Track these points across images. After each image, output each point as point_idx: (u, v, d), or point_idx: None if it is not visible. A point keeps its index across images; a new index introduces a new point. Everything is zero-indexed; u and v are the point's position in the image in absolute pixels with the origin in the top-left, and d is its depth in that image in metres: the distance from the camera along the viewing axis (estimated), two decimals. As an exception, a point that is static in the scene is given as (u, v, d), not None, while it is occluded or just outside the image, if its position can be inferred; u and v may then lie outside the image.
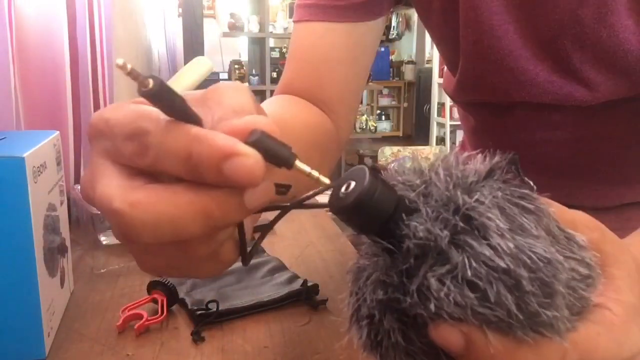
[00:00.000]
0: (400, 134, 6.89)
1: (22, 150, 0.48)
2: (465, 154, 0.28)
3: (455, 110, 5.05)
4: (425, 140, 5.64)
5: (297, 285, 0.64)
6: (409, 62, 6.71)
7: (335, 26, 0.62)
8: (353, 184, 0.25)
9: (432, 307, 0.24)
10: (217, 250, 0.27)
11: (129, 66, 0.21)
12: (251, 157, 0.22)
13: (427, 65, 6.18)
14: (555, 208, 0.28)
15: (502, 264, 0.24)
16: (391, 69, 6.63)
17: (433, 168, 0.27)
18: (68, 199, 0.70)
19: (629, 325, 0.28)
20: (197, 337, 0.55)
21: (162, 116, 0.23)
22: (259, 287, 0.65)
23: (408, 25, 6.83)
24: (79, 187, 0.27)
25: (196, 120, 0.23)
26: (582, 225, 0.29)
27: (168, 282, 0.61)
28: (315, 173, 0.25)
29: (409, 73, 6.67)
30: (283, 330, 0.58)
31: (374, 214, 0.25)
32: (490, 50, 0.55)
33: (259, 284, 0.67)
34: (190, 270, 0.28)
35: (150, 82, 0.22)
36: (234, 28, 4.66)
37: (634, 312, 0.28)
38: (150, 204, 0.23)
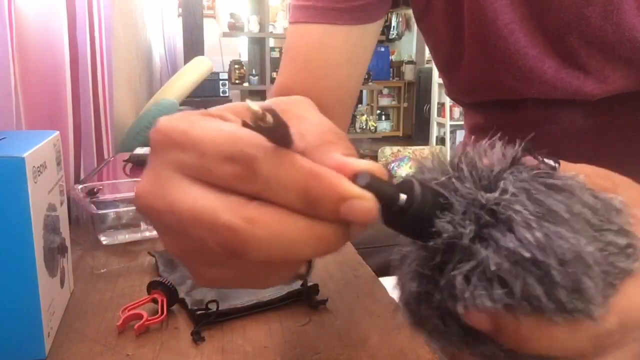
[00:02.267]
0: (400, 134, 6.89)
1: (22, 150, 0.48)
2: (484, 145, 0.28)
3: (455, 110, 5.06)
4: (425, 140, 5.64)
5: (297, 285, 0.64)
6: (409, 62, 6.71)
7: (334, 29, 0.61)
8: (404, 196, 0.25)
9: (459, 305, 0.25)
10: (296, 269, 0.27)
11: (260, 111, 0.22)
12: (369, 200, 0.23)
13: (427, 65, 6.18)
14: (588, 171, 0.27)
15: (528, 255, 0.23)
16: (391, 69, 6.63)
17: (455, 164, 0.28)
18: (68, 199, 0.70)
19: None
20: (197, 337, 0.55)
21: (265, 142, 0.23)
22: (259, 287, 0.65)
23: (408, 25, 6.83)
24: (138, 194, 0.26)
25: (296, 149, 0.24)
26: (622, 183, 0.29)
27: (168, 282, 0.61)
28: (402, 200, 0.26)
29: (409, 73, 6.67)
30: (283, 330, 0.58)
31: (422, 221, 0.26)
32: (497, 49, 0.55)
33: (259, 284, 0.66)
34: (256, 283, 0.28)
35: (270, 117, 0.22)
36: (234, 28, 4.66)
37: None
38: (268, 222, 0.23)
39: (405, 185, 0.26)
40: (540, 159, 0.27)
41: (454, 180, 0.27)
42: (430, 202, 0.26)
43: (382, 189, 0.25)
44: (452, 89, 0.68)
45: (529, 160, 0.27)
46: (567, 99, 0.56)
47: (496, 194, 0.25)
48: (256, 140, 0.23)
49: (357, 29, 0.62)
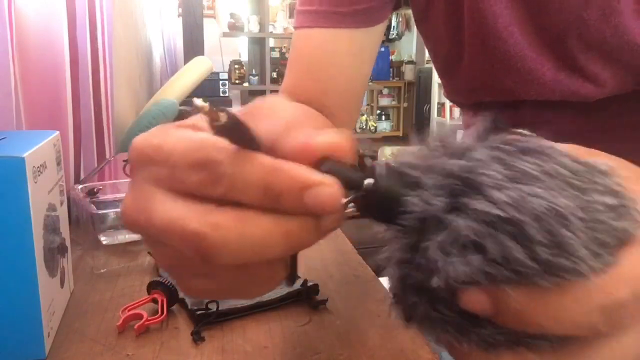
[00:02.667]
0: (400, 134, 6.89)
1: (22, 150, 0.48)
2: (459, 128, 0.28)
3: (455, 110, 5.06)
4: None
5: (297, 285, 0.64)
6: (409, 62, 6.71)
7: (338, 32, 0.61)
8: (370, 180, 0.25)
9: (437, 279, 0.23)
10: (274, 272, 0.27)
11: (206, 106, 0.22)
12: (330, 186, 0.23)
13: (427, 65, 6.18)
14: (569, 147, 0.26)
15: (502, 214, 0.22)
16: (391, 69, 6.63)
17: (428, 144, 0.27)
18: (68, 199, 0.70)
19: None
20: (197, 337, 0.55)
21: (229, 145, 0.23)
22: (259, 287, 0.65)
23: (408, 25, 6.83)
24: (123, 211, 0.27)
25: (262, 148, 0.24)
26: (601, 155, 0.28)
27: (168, 282, 0.61)
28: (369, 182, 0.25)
29: (409, 73, 6.67)
30: (283, 330, 0.58)
31: (392, 204, 0.25)
32: (496, 51, 0.55)
33: (259, 284, 0.67)
34: (241, 292, 0.28)
35: (224, 116, 0.22)
36: (234, 28, 4.66)
37: None
38: (233, 226, 0.23)
39: (371, 169, 0.25)
40: (513, 129, 0.26)
41: (424, 155, 0.26)
42: (399, 183, 0.25)
43: (345, 173, 0.24)
44: (451, 91, 0.68)
45: (507, 135, 0.26)
46: (566, 101, 0.56)
47: (465, 161, 0.24)
48: (219, 144, 0.23)
49: (360, 32, 0.62)
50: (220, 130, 0.23)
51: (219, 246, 0.23)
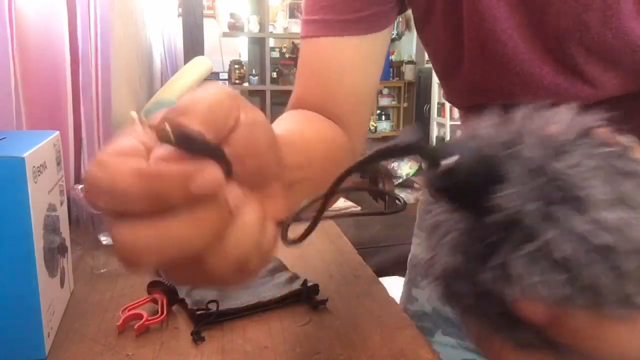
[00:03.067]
0: (400, 134, 6.87)
1: (22, 150, 0.48)
2: (550, 111, 0.26)
3: (455, 110, 5.06)
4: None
5: (297, 285, 0.64)
6: (409, 62, 6.71)
7: (343, 40, 0.62)
8: (450, 158, 0.23)
9: (514, 289, 0.22)
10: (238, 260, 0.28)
11: (141, 119, 0.22)
12: (207, 169, 0.24)
13: (427, 65, 6.17)
14: None
15: (607, 240, 0.21)
16: (391, 69, 6.62)
17: (519, 130, 0.25)
18: (68, 199, 0.70)
19: None
20: (197, 337, 0.55)
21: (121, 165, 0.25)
22: (259, 287, 0.65)
23: (408, 26, 6.83)
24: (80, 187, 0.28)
25: (219, 155, 0.25)
26: None
27: (168, 282, 0.61)
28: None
29: (409, 73, 6.66)
30: (283, 330, 0.58)
31: (470, 187, 0.23)
32: (496, 54, 0.55)
33: (259, 284, 0.67)
34: (216, 281, 0.29)
35: (170, 132, 0.23)
36: (234, 28, 4.66)
37: None
38: (146, 233, 0.25)
39: (448, 146, 0.23)
40: (616, 135, 0.24)
41: (515, 147, 0.24)
42: (482, 171, 0.23)
43: (421, 149, 0.23)
44: (451, 93, 0.68)
45: (601, 133, 0.24)
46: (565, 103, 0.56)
47: (566, 166, 0.22)
48: (107, 171, 0.25)
49: (365, 38, 0.62)
50: (172, 143, 0.24)
51: (141, 252, 0.25)
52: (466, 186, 0.23)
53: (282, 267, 0.71)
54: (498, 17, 0.53)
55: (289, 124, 0.60)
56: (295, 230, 0.31)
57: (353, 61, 0.63)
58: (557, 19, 0.51)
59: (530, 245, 0.22)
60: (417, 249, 0.78)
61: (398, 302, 0.71)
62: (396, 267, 1.76)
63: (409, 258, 0.80)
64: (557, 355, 0.25)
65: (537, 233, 0.22)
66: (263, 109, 4.28)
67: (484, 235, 0.23)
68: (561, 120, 0.25)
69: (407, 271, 0.80)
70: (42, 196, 0.53)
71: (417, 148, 0.23)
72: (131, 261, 0.25)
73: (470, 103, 0.66)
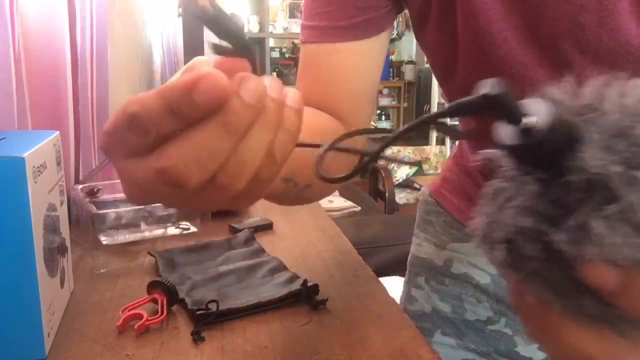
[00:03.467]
0: (400, 134, 6.87)
1: (22, 150, 0.48)
2: (626, 82, 0.26)
3: (455, 110, 5.05)
4: (425, 140, 5.64)
5: (297, 285, 0.64)
6: (409, 62, 6.71)
7: (340, 46, 0.62)
8: (531, 118, 0.23)
9: (591, 249, 0.22)
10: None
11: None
12: (207, 76, 0.24)
13: (427, 65, 6.17)
14: None
15: None
16: (391, 69, 6.62)
17: (597, 96, 0.25)
18: (68, 199, 0.70)
19: None
20: (197, 337, 0.55)
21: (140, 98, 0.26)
22: (259, 287, 0.65)
23: (408, 26, 6.83)
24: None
25: (246, 44, 0.28)
26: None
27: (168, 282, 0.61)
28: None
29: (409, 73, 6.67)
30: (283, 330, 0.58)
31: (550, 147, 0.23)
32: (491, 56, 0.55)
33: (259, 284, 0.67)
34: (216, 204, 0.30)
35: (209, 8, 0.26)
36: (234, 28, 4.66)
37: None
38: (182, 151, 0.26)
39: (532, 109, 0.23)
40: None
41: (595, 112, 0.23)
42: (563, 132, 0.22)
43: (509, 103, 0.22)
44: (449, 95, 0.68)
45: None
46: None
47: None
48: (131, 105, 0.26)
49: (363, 43, 0.62)
50: (206, 20, 0.26)
51: (182, 169, 0.26)
52: (546, 146, 0.23)
53: (282, 267, 0.71)
54: (494, 19, 0.53)
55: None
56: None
57: (351, 66, 0.63)
58: (553, 21, 0.51)
59: (613, 207, 0.22)
60: (417, 248, 0.78)
61: (398, 302, 0.71)
62: (396, 267, 1.76)
63: (409, 258, 0.81)
64: (617, 328, 0.25)
65: (620, 196, 0.22)
66: (263, 109, 4.27)
67: (560, 196, 0.23)
68: (637, 91, 0.25)
69: (407, 271, 0.80)
70: (42, 196, 0.53)
71: (500, 101, 0.22)
72: (183, 178, 0.25)
73: None
